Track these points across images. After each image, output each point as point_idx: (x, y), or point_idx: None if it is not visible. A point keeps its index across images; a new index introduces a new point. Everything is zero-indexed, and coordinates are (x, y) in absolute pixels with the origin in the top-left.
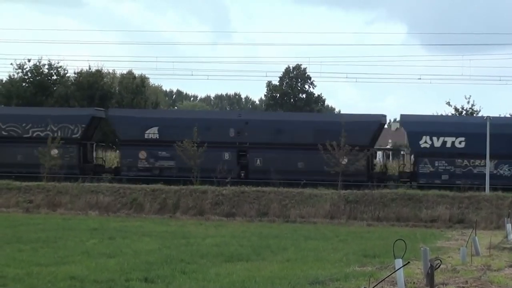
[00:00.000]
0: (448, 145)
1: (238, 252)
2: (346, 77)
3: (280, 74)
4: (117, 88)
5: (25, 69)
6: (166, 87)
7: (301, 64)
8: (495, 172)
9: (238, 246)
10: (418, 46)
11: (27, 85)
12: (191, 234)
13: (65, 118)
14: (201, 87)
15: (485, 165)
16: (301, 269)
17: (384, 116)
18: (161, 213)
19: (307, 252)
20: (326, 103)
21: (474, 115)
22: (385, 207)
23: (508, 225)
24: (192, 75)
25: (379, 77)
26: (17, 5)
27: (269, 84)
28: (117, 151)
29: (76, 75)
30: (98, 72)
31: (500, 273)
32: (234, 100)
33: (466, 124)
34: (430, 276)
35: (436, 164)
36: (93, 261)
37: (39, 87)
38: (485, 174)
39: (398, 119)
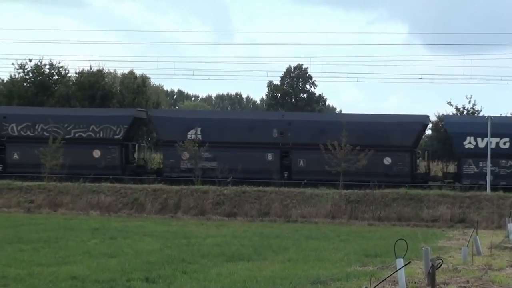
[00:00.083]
0: (493, 145)
1: (239, 252)
2: (347, 77)
3: (281, 74)
4: (118, 88)
5: (26, 69)
6: (167, 87)
7: (302, 64)
8: None
9: (239, 246)
10: (420, 46)
11: (28, 85)
12: (192, 234)
13: (107, 119)
14: (202, 87)
15: None
16: (302, 269)
17: (428, 117)
18: (162, 213)
19: (308, 252)
20: (327, 103)
21: (475, 115)
22: (386, 206)
23: (510, 225)
24: (193, 75)
25: (381, 77)
26: (18, 5)
27: (270, 84)
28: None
29: (77, 75)
30: (99, 72)
31: (502, 272)
32: (235, 100)
33: (510, 125)
34: (431, 275)
35: (480, 165)
36: (94, 261)
37: (40, 87)
38: None
39: None
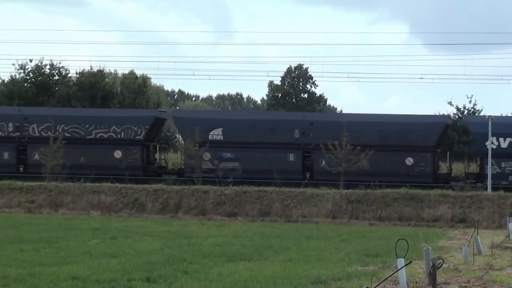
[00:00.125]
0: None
1: (240, 251)
2: (348, 77)
3: (281, 74)
4: (119, 88)
5: (27, 69)
6: (168, 87)
7: (303, 64)
8: None
9: (240, 246)
10: (420, 45)
11: (29, 85)
12: (193, 234)
13: (128, 120)
14: (203, 87)
15: None
16: (303, 268)
17: (449, 117)
18: (163, 213)
19: (309, 251)
20: (328, 102)
21: (476, 114)
22: (387, 206)
23: (510, 225)
24: (193, 75)
25: (381, 76)
26: (18, 5)
27: (270, 84)
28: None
29: (78, 75)
30: (100, 72)
31: (502, 272)
32: (236, 100)
33: None
34: (432, 275)
35: (503, 165)
36: (95, 261)
37: (41, 87)
38: None
39: None
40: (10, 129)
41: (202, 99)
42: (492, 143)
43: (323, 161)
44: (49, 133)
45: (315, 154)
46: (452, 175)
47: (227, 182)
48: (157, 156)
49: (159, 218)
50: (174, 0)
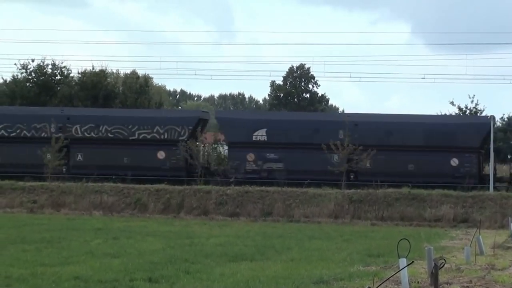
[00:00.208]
0: None
1: (242, 252)
2: (350, 77)
3: (283, 73)
4: (121, 88)
5: (28, 69)
6: (170, 87)
7: (304, 64)
8: None
9: (242, 246)
10: (422, 45)
11: (31, 85)
12: (195, 234)
13: (172, 120)
14: (205, 87)
15: None
16: (305, 268)
17: (494, 117)
18: (165, 213)
19: (311, 251)
20: (329, 102)
21: (478, 114)
22: (389, 206)
23: None
24: (195, 75)
25: (383, 76)
26: (20, 5)
27: (272, 83)
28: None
29: (79, 75)
30: (102, 72)
31: (505, 272)
32: (237, 100)
33: None
34: (434, 275)
35: None
36: (97, 261)
37: (43, 87)
38: None
39: None
40: (53, 129)
41: (204, 99)
42: None
43: (368, 162)
44: (92, 133)
45: (359, 155)
46: (497, 175)
47: (229, 182)
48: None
49: (161, 218)
50: (176, 0)
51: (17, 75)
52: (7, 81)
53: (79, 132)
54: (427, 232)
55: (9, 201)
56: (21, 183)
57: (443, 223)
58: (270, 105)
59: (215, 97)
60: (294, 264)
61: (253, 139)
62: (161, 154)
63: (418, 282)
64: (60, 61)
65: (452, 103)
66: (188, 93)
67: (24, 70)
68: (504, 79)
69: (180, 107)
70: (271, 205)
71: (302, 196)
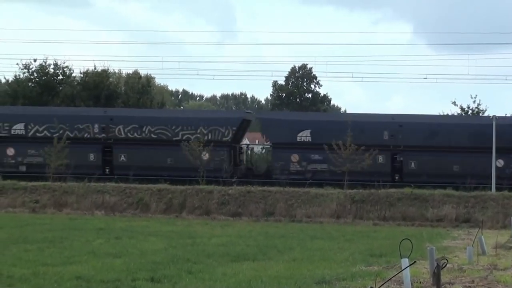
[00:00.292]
0: None
1: (244, 251)
2: (352, 77)
3: (286, 73)
4: (123, 88)
5: (31, 69)
6: (172, 87)
7: (307, 64)
8: None
9: (244, 245)
10: (424, 45)
11: (33, 85)
12: (197, 234)
13: (215, 121)
14: (207, 87)
15: None
16: (307, 268)
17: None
18: (167, 213)
19: (313, 251)
20: (332, 102)
21: (480, 114)
22: (391, 206)
23: None
24: (198, 74)
25: (385, 76)
26: (23, 5)
27: (275, 83)
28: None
29: (82, 75)
30: (104, 72)
31: (507, 272)
32: (240, 100)
33: None
34: (436, 275)
35: None
36: (99, 261)
37: (45, 87)
38: None
39: None
40: (96, 130)
41: (206, 99)
42: None
43: (413, 163)
44: (135, 134)
45: (404, 156)
46: None
47: (231, 182)
48: (243, 157)
49: (163, 218)
50: (178, 0)
51: (19, 75)
52: (9, 81)
53: (122, 133)
54: (429, 232)
55: (11, 201)
56: (23, 183)
57: (445, 223)
58: (272, 105)
59: (217, 97)
60: (296, 264)
61: (297, 140)
62: (204, 155)
63: (420, 282)
64: (62, 61)
65: (454, 103)
66: (190, 93)
67: (26, 70)
68: (506, 79)
69: (182, 107)
70: (273, 205)
71: (304, 196)
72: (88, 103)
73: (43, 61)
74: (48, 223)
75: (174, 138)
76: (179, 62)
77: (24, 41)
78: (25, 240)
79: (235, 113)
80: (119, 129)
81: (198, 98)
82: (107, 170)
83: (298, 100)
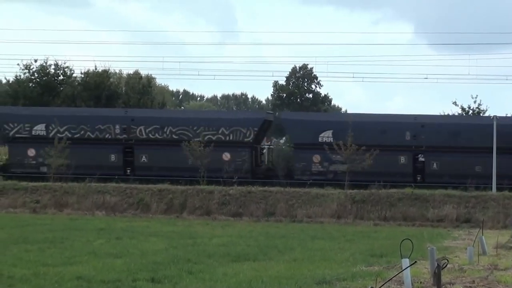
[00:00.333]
0: None
1: (245, 252)
2: (353, 77)
3: (286, 74)
4: (124, 88)
5: (31, 69)
6: (173, 87)
7: (307, 64)
8: None
9: (245, 246)
10: (425, 45)
11: (33, 85)
12: (198, 234)
13: (237, 122)
14: (208, 87)
15: None
16: (308, 268)
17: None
18: (168, 213)
19: (314, 252)
20: (332, 102)
21: (481, 114)
22: (392, 206)
23: None
24: (198, 75)
25: (386, 76)
26: (23, 5)
27: (275, 84)
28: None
29: (82, 75)
30: (105, 72)
31: (507, 272)
32: (240, 100)
33: None
34: (437, 275)
35: None
36: (100, 261)
37: (46, 87)
38: None
39: None
40: (117, 131)
41: (207, 99)
42: None
43: (435, 164)
44: (157, 135)
45: (426, 156)
46: None
47: (231, 182)
48: (264, 158)
49: (164, 218)
50: (178, 0)
51: (19, 76)
52: (10, 81)
53: (144, 134)
54: (429, 232)
55: (12, 201)
56: (24, 183)
57: (446, 223)
58: (273, 105)
59: (218, 97)
60: (297, 264)
61: (319, 140)
62: (226, 156)
63: (420, 282)
64: (63, 61)
65: (455, 103)
66: (191, 93)
67: (27, 70)
68: (506, 79)
69: (182, 107)
70: (273, 205)
71: (305, 196)
72: (88, 104)
73: (44, 62)
74: (48, 223)
75: (196, 139)
76: (179, 62)
77: (25, 41)
78: (26, 241)
79: (256, 113)
80: (140, 130)
81: (198, 99)
82: (129, 171)
83: (298, 100)
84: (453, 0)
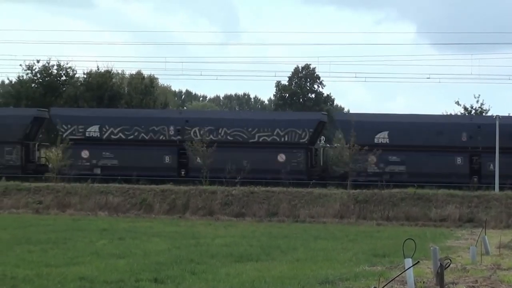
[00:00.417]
0: None
1: (248, 252)
2: (355, 77)
3: (289, 74)
4: (126, 89)
5: (34, 70)
6: (175, 87)
7: (310, 64)
8: None
9: (247, 246)
10: (427, 45)
11: (36, 86)
12: (201, 234)
13: (292, 123)
14: (210, 87)
15: None
16: (311, 269)
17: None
18: (170, 214)
19: (316, 252)
20: (335, 102)
21: (483, 114)
22: (395, 206)
23: None
24: (201, 75)
25: (388, 76)
26: (25, 5)
27: (278, 84)
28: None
29: (85, 76)
30: (107, 72)
31: (510, 272)
32: (243, 100)
33: None
34: (440, 275)
35: None
36: (102, 261)
37: (49, 87)
38: None
39: None
40: (171, 132)
41: (210, 99)
42: None
43: (491, 165)
44: (211, 136)
45: (483, 157)
46: None
47: (234, 182)
48: (316, 159)
49: (167, 219)
50: (181, 0)
51: (22, 76)
52: (13, 82)
53: (198, 135)
54: (432, 232)
55: (15, 202)
56: (26, 184)
57: (449, 223)
58: (276, 106)
59: (221, 98)
60: (300, 264)
61: (375, 141)
62: (281, 157)
63: (423, 282)
64: (66, 62)
65: (457, 103)
66: (194, 93)
67: (29, 71)
68: (509, 79)
69: (185, 108)
70: (276, 206)
71: (308, 196)
72: (91, 104)
73: (46, 62)
74: (51, 224)
75: (250, 140)
76: (182, 62)
77: (27, 42)
78: (29, 241)
79: (312, 115)
80: (195, 131)
81: (201, 99)
82: (183, 172)
83: (301, 100)
84: (455, 0)
